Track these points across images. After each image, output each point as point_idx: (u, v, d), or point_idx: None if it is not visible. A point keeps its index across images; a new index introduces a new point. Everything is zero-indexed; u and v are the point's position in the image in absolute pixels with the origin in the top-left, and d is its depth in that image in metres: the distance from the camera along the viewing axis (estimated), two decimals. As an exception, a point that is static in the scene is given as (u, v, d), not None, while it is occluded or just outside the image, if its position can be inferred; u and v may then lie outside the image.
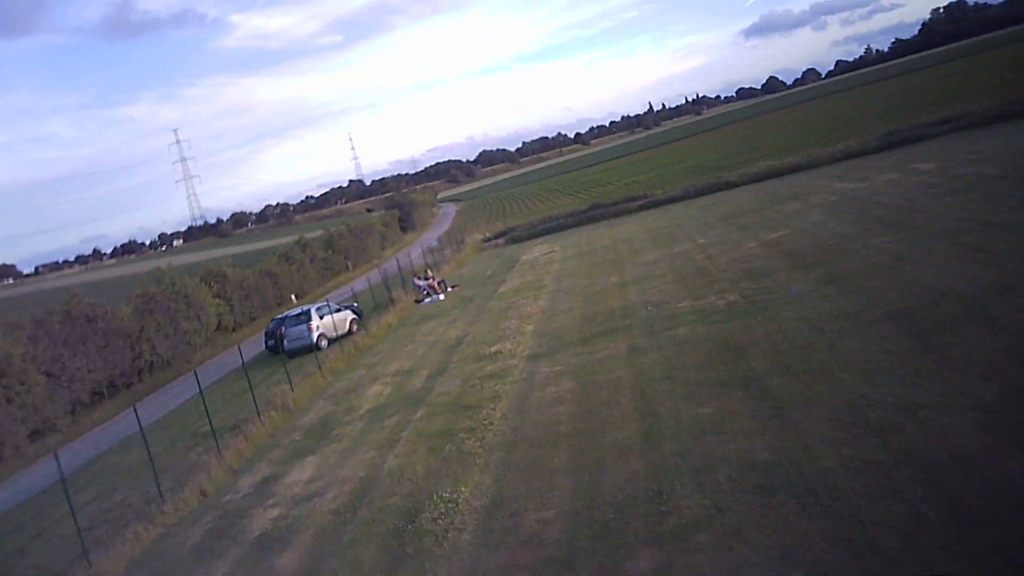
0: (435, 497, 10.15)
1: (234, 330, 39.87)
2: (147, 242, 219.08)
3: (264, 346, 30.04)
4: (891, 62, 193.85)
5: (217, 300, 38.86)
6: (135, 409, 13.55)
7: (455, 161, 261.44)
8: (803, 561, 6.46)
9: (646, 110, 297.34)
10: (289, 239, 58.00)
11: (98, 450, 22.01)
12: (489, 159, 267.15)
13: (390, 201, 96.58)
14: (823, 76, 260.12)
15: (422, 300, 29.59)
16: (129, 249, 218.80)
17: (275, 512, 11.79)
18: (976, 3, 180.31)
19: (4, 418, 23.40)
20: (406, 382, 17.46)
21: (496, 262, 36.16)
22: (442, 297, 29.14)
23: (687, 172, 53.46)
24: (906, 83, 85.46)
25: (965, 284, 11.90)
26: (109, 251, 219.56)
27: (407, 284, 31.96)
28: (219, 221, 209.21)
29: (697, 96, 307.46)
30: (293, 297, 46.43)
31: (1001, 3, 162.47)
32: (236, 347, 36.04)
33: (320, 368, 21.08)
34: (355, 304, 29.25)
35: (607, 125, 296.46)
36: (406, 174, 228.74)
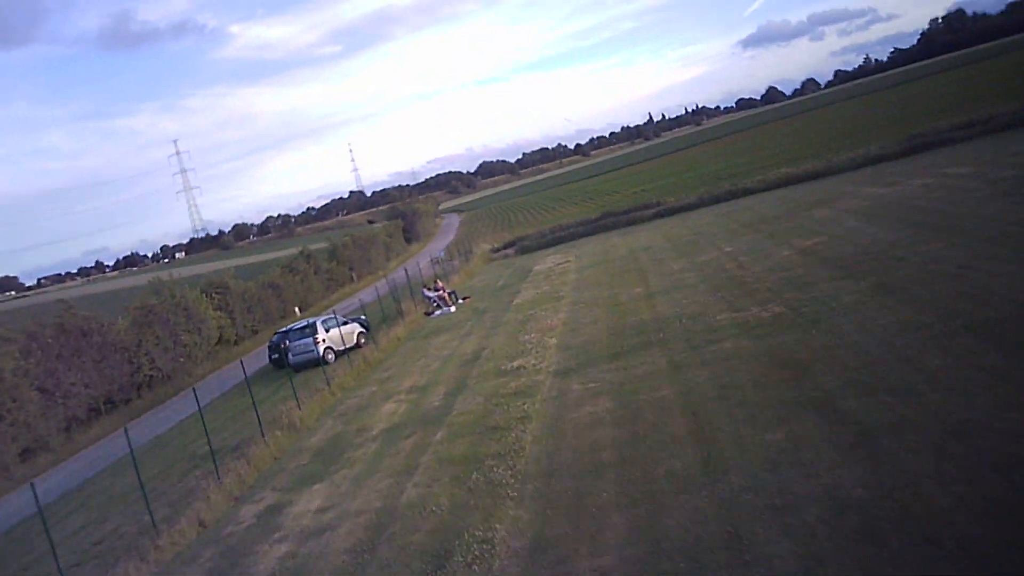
0: (466, 536, 8.89)
1: (236, 343, 38.64)
2: (149, 254, 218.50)
3: (268, 360, 28.83)
4: (891, 71, 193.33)
5: (218, 313, 37.66)
6: (126, 431, 12.34)
7: (455, 172, 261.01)
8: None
9: (646, 120, 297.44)
10: (291, 251, 56.90)
11: (92, 471, 20.73)
12: (489, 170, 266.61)
13: (393, 211, 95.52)
14: (822, 86, 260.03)
15: (432, 312, 28.36)
16: (131, 261, 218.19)
17: (282, 549, 10.52)
18: (974, 13, 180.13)
19: (-6, 436, 22.19)
20: (422, 399, 16.22)
21: (507, 272, 34.96)
22: (453, 309, 27.91)
23: (698, 180, 52.33)
24: (911, 91, 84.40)
25: (1053, 292, 10.69)
26: (111, 263, 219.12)
27: (416, 295, 30.74)
28: (221, 233, 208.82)
29: (697, 107, 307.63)
30: (297, 310, 45.24)
31: (999, 12, 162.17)
32: (239, 361, 34.95)
33: (328, 384, 19.85)
34: (363, 316, 28.05)
35: (607, 136, 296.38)
36: (406, 186, 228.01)
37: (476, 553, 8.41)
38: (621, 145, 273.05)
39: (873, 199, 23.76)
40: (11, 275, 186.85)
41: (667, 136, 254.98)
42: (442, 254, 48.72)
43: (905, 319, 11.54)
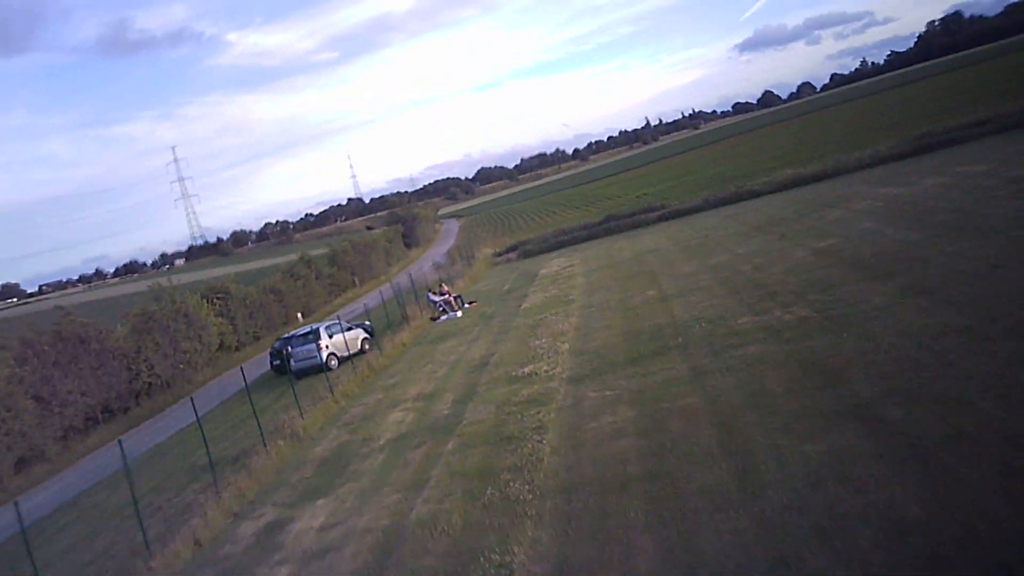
0: (481, 560, 8.25)
1: (237, 349, 38.01)
2: (148, 262, 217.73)
3: (269, 366, 28.19)
4: (888, 74, 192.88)
5: (219, 319, 37.03)
6: (120, 444, 11.71)
7: (453, 179, 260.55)
8: None
9: (643, 125, 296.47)
10: (291, 257, 56.28)
11: (88, 482, 20.07)
12: (487, 176, 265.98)
13: (392, 216, 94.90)
14: (818, 89, 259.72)
15: (438, 317, 27.74)
16: (131, 269, 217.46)
17: (283, 572, 9.88)
18: (972, 15, 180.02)
19: (-13, 446, 21.54)
20: (430, 407, 15.59)
21: (512, 276, 34.34)
22: (459, 314, 27.29)
23: (700, 183, 51.77)
24: (911, 92, 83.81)
25: (1103, 293, 10.08)
26: (111, 271, 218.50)
27: (420, 300, 30.13)
28: (219, 240, 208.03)
29: (694, 111, 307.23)
30: (299, 315, 44.63)
31: (997, 14, 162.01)
32: (240, 367, 34.33)
33: (332, 391, 19.22)
34: (367, 322, 27.42)
35: (605, 140, 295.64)
36: (404, 192, 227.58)
37: (495, 578, 7.78)
38: (619, 149, 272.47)
39: (887, 199, 23.18)
40: (12, 282, 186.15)
41: (665, 140, 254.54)
42: (443, 259, 48.07)
43: (943, 322, 10.93)
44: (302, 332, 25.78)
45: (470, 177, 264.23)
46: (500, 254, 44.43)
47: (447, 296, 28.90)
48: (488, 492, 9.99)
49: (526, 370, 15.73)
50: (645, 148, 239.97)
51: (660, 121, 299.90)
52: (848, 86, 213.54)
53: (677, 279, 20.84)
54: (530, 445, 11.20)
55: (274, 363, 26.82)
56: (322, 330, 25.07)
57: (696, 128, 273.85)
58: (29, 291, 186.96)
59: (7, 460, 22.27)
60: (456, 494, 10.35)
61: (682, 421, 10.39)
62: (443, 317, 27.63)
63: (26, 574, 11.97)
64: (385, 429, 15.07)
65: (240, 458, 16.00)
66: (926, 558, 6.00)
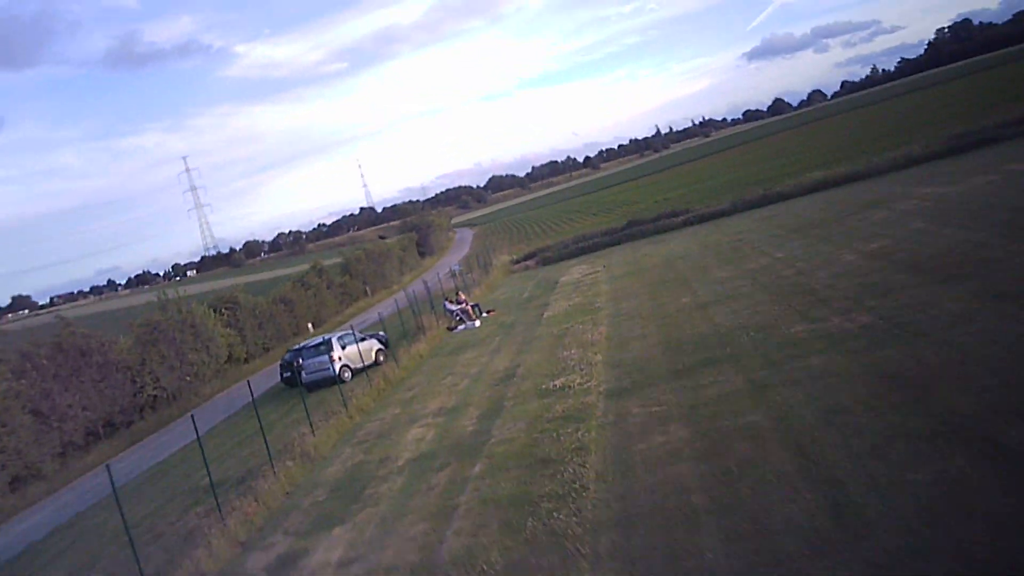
0: (530, 609, 6.98)
1: (246, 361, 36.89)
2: (161, 273, 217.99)
3: (279, 379, 27.00)
4: (899, 81, 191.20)
5: (228, 329, 35.93)
6: (108, 469, 10.52)
7: (465, 187, 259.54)
8: None
9: (653, 133, 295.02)
10: (303, 267, 55.28)
11: (85, 502, 18.88)
12: (499, 185, 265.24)
13: (406, 224, 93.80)
14: (828, 96, 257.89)
15: (455, 327, 26.51)
16: (143, 280, 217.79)
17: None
18: (980, 22, 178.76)
19: (-19, 464, 20.42)
20: (452, 424, 14.32)
21: (531, 284, 33.09)
22: (478, 323, 26.05)
23: (722, 187, 50.36)
24: (928, 97, 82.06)
25: None
26: (123, 282, 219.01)
27: (436, 309, 28.92)
28: (232, 251, 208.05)
29: (704, 118, 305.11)
30: (310, 326, 43.52)
31: (1006, 22, 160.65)
32: (251, 377, 33.17)
33: (345, 406, 17.98)
34: (381, 332, 26.20)
35: (615, 148, 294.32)
36: (416, 201, 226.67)
37: (548, 635, 6.50)
38: (630, 157, 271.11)
39: (935, 199, 21.82)
40: (24, 294, 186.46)
41: (676, 148, 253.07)
42: (458, 267, 46.89)
43: (1041, 328, 9.60)
44: (314, 343, 24.59)
45: (481, 185, 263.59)
46: (518, 261, 43.21)
47: (464, 305, 27.69)
48: (529, 524, 8.71)
49: (557, 383, 14.45)
50: (656, 156, 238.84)
51: (670, 129, 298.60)
52: (860, 92, 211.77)
53: (713, 285, 19.53)
54: (571, 469, 9.92)
55: (284, 375, 25.63)
56: (334, 341, 23.87)
57: (707, 136, 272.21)
58: (40, 303, 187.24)
59: (2, 479, 21.12)
60: (491, 526, 9.08)
61: (747, 442, 9.09)
62: (460, 327, 26.41)
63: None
64: (404, 448, 13.82)
65: (247, 479, 14.78)
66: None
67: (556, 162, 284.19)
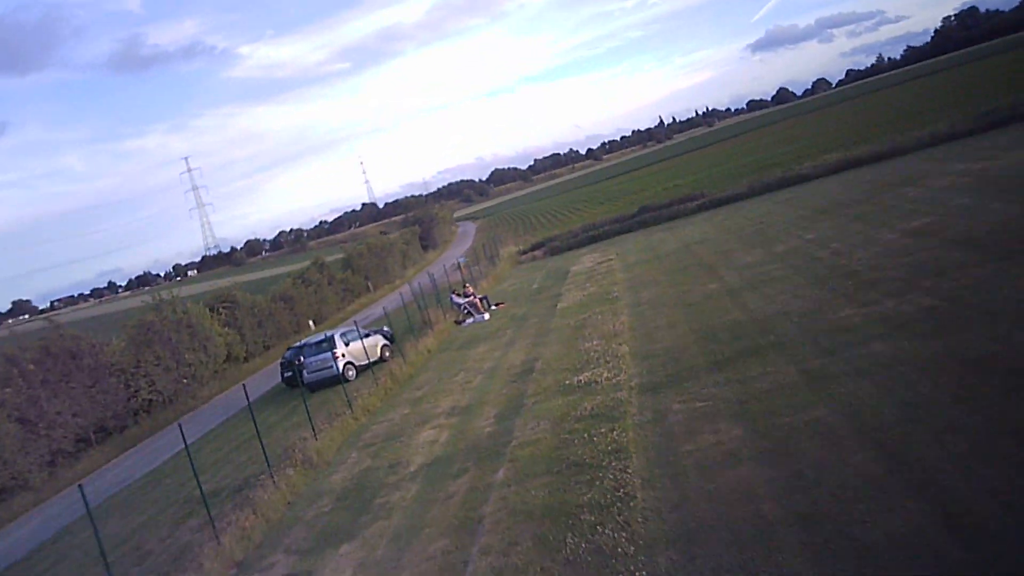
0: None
1: (246, 360, 35.63)
2: (162, 274, 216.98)
3: (280, 378, 25.75)
4: (904, 68, 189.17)
5: (226, 328, 34.67)
6: (81, 489, 9.32)
7: (467, 181, 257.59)
8: None
9: (656, 124, 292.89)
10: (304, 264, 53.98)
11: (73, 514, 17.59)
12: (501, 178, 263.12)
13: (409, 219, 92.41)
14: (833, 85, 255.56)
15: (463, 321, 25.25)
16: (144, 281, 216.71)
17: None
18: (987, 10, 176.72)
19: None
20: (468, 424, 13.07)
21: (540, 275, 31.81)
22: (487, 316, 24.78)
23: (737, 172, 48.91)
24: (936, 82, 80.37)
25: None
26: (124, 284, 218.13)
27: (443, 302, 27.66)
28: (233, 250, 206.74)
29: (708, 109, 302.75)
30: (311, 323, 42.26)
31: (1013, 8, 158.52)
32: (249, 379, 31.95)
33: (350, 406, 16.74)
34: (385, 328, 24.92)
35: (618, 140, 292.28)
36: (418, 196, 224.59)
37: None
38: (633, 148, 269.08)
39: (974, 175, 20.51)
40: (25, 298, 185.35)
41: (680, 138, 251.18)
42: (463, 259, 45.65)
43: None
44: (315, 340, 23.30)
45: (483, 179, 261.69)
46: (525, 252, 41.92)
47: (472, 298, 26.41)
48: (569, 541, 7.47)
49: (582, 377, 13.19)
50: (660, 146, 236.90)
51: (674, 120, 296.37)
52: (865, 80, 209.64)
53: (741, 270, 18.25)
54: (611, 474, 8.67)
55: (285, 375, 24.36)
56: (337, 337, 22.58)
57: (711, 125, 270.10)
58: (41, 308, 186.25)
59: (-15, 490, 19.92)
60: (524, 543, 7.83)
61: (817, 442, 7.83)
62: (469, 320, 25.15)
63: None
64: (416, 452, 12.57)
65: (245, 487, 13.57)
66: None
67: (559, 154, 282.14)
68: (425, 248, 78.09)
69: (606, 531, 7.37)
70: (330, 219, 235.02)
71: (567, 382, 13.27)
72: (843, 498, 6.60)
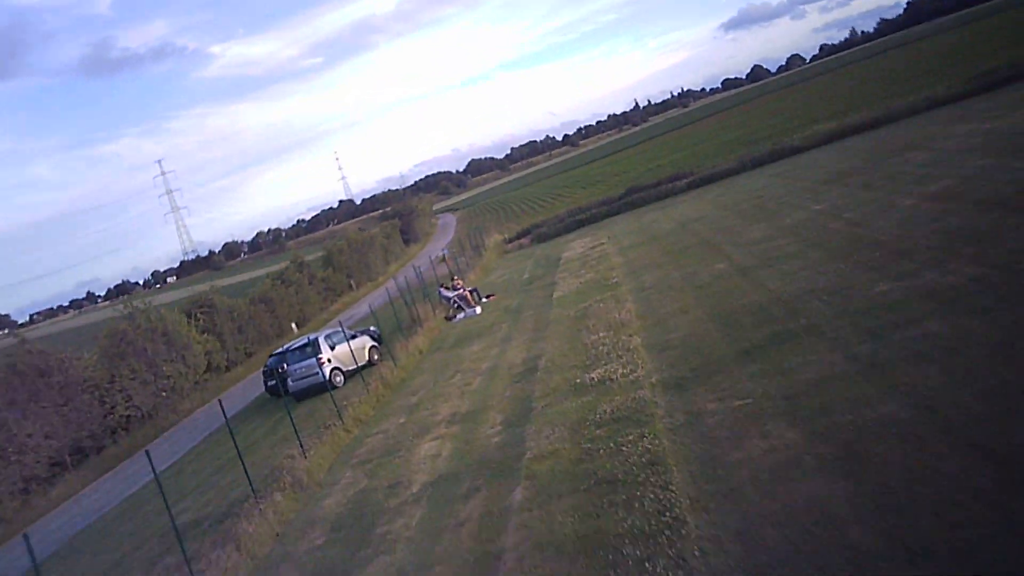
0: None
1: (228, 369, 34.17)
2: (141, 282, 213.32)
3: (264, 387, 24.34)
4: (879, 40, 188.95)
5: (205, 336, 33.17)
6: (26, 539, 8.04)
7: (444, 173, 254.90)
8: None
9: (632, 107, 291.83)
10: (284, 264, 52.33)
11: (45, 549, 16.23)
12: (478, 168, 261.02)
13: (388, 213, 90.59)
14: (808, 61, 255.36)
15: (453, 316, 23.98)
16: (123, 290, 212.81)
17: None
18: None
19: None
20: (472, 434, 11.84)
21: (530, 263, 30.59)
22: (479, 310, 23.53)
23: (722, 148, 47.82)
24: (920, 49, 79.53)
25: None
26: (103, 294, 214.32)
27: (431, 297, 26.36)
28: (211, 253, 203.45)
29: (683, 90, 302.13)
30: (294, 326, 40.80)
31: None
32: (232, 389, 30.54)
33: (340, 416, 15.44)
34: (372, 327, 23.56)
35: (594, 124, 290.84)
36: (395, 190, 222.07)
37: None
38: (609, 133, 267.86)
39: (984, 135, 19.53)
40: (2, 313, 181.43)
41: (656, 119, 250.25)
42: (446, 251, 44.33)
43: None
44: (299, 344, 21.90)
45: (460, 170, 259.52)
46: (511, 240, 40.67)
47: (461, 290, 25.15)
48: (616, 585, 6.25)
49: (594, 375, 11.98)
50: (636, 129, 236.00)
51: (649, 102, 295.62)
52: (840, 54, 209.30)
53: (748, 247, 17.11)
54: (651, 493, 7.46)
55: (268, 383, 22.92)
56: (321, 341, 21.21)
57: (685, 107, 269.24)
58: (20, 321, 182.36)
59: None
60: (557, 586, 6.61)
61: (894, 445, 6.67)
62: (460, 315, 23.89)
63: None
64: (417, 468, 11.32)
65: (228, 516, 12.26)
66: None
67: (535, 142, 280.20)
68: (407, 242, 76.56)
69: (657, 569, 6.17)
70: (308, 218, 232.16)
71: (578, 381, 12.06)
72: (952, 520, 5.42)
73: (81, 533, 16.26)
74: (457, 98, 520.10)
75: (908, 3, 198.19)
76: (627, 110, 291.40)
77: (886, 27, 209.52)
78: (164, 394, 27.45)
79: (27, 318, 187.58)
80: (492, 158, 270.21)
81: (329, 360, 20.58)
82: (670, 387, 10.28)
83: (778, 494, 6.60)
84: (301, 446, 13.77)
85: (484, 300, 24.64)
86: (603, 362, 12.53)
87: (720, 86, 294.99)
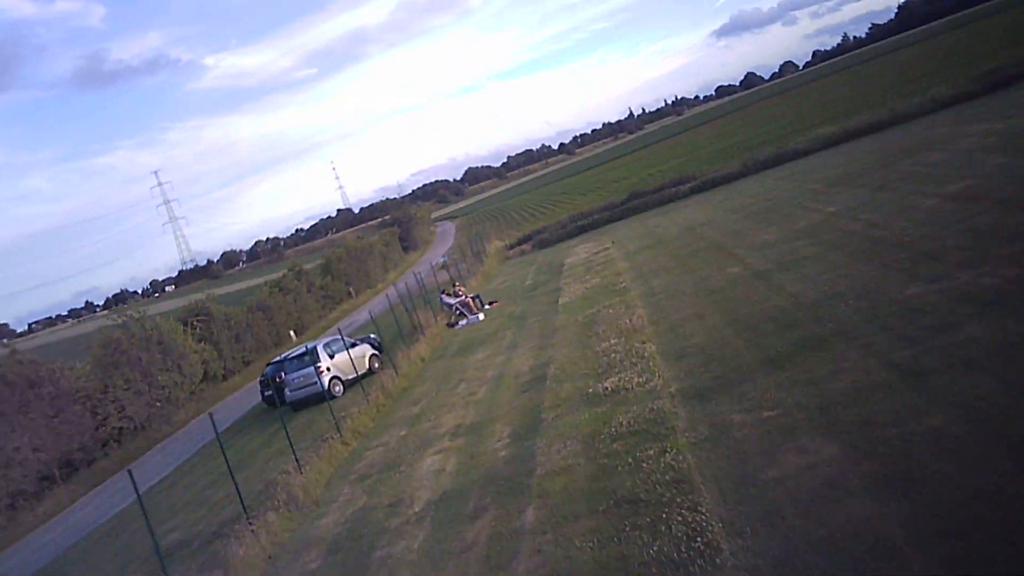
0: None
1: (224, 378, 33.47)
2: (139, 291, 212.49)
3: (260, 397, 23.64)
4: (872, 45, 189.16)
5: (201, 344, 32.50)
6: None
7: (442, 181, 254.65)
8: None
9: (626, 116, 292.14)
10: (282, 272, 51.69)
11: (29, 570, 15.55)
12: (475, 177, 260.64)
13: (386, 222, 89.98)
14: (801, 67, 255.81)
15: (455, 323, 23.34)
16: (121, 299, 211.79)
17: None
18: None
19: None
20: (478, 447, 11.19)
21: (532, 270, 29.97)
22: (481, 317, 22.88)
23: (723, 153, 47.28)
24: (917, 52, 79.15)
25: None
26: (102, 303, 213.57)
27: (432, 304, 25.73)
28: (210, 263, 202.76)
29: (677, 97, 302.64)
30: (292, 333, 40.11)
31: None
32: (229, 398, 29.87)
33: (339, 428, 14.77)
34: (372, 335, 22.88)
35: (589, 133, 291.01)
36: (393, 199, 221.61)
37: None
38: (604, 141, 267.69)
39: (999, 134, 18.97)
40: (2, 322, 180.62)
41: (650, 127, 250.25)
42: (445, 258, 43.73)
43: None
44: (297, 353, 21.23)
45: (457, 179, 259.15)
46: (512, 247, 40.07)
47: (463, 297, 24.53)
48: (642, 622, 5.60)
49: (607, 384, 11.34)
50: (632, 136, 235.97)
51: (643, 110, 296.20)
52: (832, 60, 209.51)
53: (762, 250, 16.50)
54: (678, 515, 6.82)
55: (265, 393, 22.23)
56: (320, 349, 20.55)
57: (679, 114, 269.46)
58: (19, 330, 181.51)
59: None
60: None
61: (947, 461, 6.05)
62: (462, 322, 23.25)
63: None
64: (420, 484, 10.66)
65: (219, 536, 11.59)
66: None
67: (531, 151, 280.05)
68: (406, 249, 75.94)
69: (693, 604, 5.53)
70: (306, 227, 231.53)
71: (590, 390, 11.42)
72: (1014, 548, 4.80)
73: (67, 552, 15.56)
74: (452, 107, 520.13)
75: (899, 8, 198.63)
76: (622, 118, 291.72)
77: (878, 32, 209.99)
78: (159, 404, 26.75)
79: (26, 327, 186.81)
80: (489, 166, 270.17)
81: (328, 369, 19.93)
82: (690, 397, 9.65)
83: (823, 517, 5.97)
84: (297, 460, 13.11)
85: (487, 307, 24.01)
86: (616, 370, 11.90)
87: (714, 93, 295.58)
